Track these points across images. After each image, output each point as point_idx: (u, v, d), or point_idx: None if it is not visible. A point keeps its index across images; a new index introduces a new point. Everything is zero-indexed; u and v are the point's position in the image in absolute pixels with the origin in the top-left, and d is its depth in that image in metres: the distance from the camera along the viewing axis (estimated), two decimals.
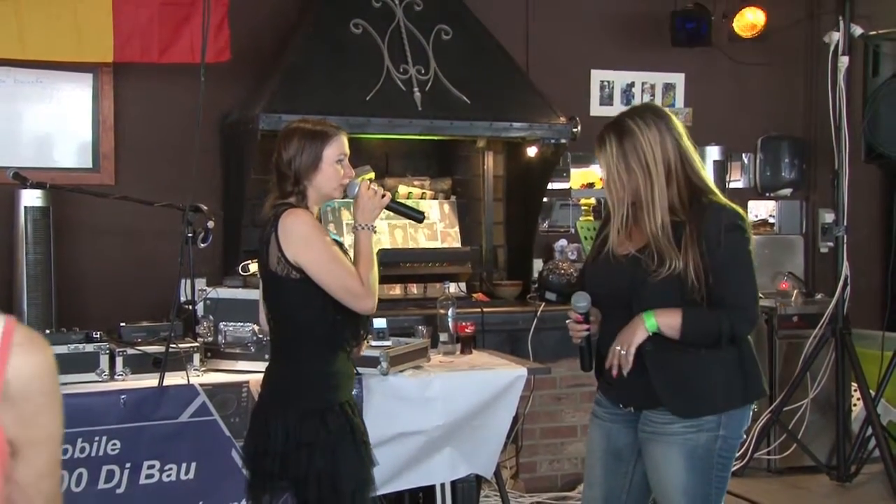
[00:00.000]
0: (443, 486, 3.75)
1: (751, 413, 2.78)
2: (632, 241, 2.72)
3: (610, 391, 2.81)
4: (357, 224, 2.88)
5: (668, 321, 2.59)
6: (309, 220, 2.76)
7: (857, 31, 5.16)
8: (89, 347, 3.53)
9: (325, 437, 2.70)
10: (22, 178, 3.97)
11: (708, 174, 2.75)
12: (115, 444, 3.30)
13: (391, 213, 3.17)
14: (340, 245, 2.85)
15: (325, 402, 2.75)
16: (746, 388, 2.72)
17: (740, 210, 2.68)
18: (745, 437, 2.73)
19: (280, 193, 2.81)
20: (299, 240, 2.71)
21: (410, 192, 5.10)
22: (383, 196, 2.91)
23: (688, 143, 2.70)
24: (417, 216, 3.13)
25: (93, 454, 3.27)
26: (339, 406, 2.77)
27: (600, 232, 2.88)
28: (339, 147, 2.82)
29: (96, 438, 3.26)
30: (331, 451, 2.71)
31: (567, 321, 2.76)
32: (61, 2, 4.32)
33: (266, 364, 3.57)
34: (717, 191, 2.73)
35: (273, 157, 2.84)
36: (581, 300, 2.72)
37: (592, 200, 5.68)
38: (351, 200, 2.96)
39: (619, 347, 2.64)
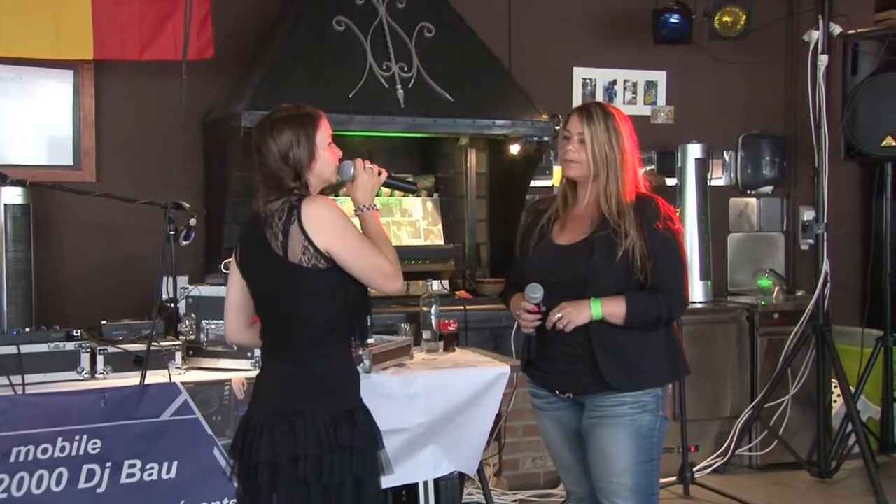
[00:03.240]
0: (426, 483, 3.74)
1: None
2: (567, 231, 2.93)
3: (546, 380, 2.99)
4: (360, 206, 2.75)
5: (613, 310, 2.82)
6: (335, 205, 2.62)
7: (836, 29, 5.18)
8: (70, 346, 3.48)
9: (358, 439, 2.58)
10: (1, 175, 3.93)
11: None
12: (95, 444, 3.26)
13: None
14: None
15: (352, 403, 2.64)
16: (674, 366, 2.95)
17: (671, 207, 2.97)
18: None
19: (279, 191, 2.63)
20: (330, 226, 2.56)
21: (393, 191, 5.07)
22: (380, 173, 2.80)
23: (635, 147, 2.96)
24: (412, 188, 3.08)
25: (73, 453, 3.23)
26: (361, 407, 2.66)
27: (533, 224, 3.02)
28: (326, 128, 2.70)
29: (77, 437, 3.22)
30: (363, 456, 2.59)
31: (518, 312, 2.93)
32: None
33: (249, 363, 3.59)
34: None
35: (259, 155, 2.67)
36: (535, 291, 2.86)
37: None
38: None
39: (559, 315, 2.81)
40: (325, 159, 2.68)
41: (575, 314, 2.81)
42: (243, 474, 2.67)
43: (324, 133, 2.69)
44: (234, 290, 2.80)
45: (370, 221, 2.73)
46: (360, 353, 3.43)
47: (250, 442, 2.63)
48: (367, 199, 2.75)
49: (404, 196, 5.08)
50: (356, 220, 2.75)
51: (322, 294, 2.60)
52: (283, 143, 2.63)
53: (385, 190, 4.98)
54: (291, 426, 2.56)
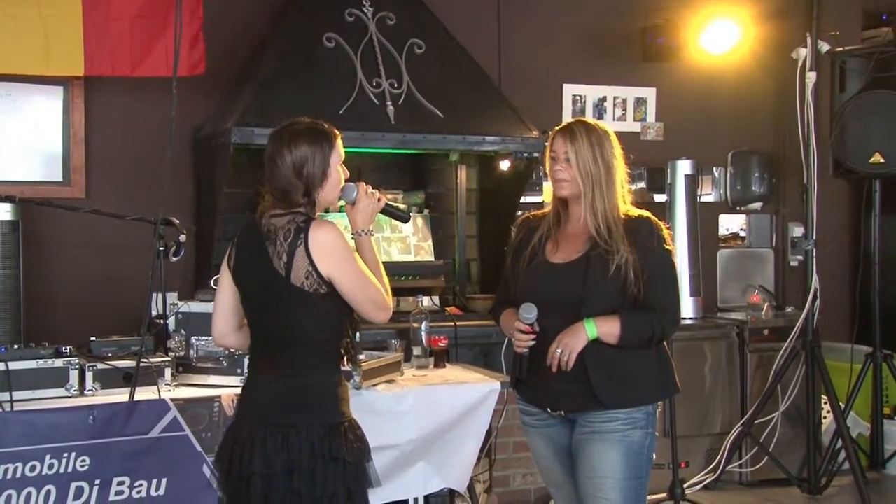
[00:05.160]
0: (416, 500, 3.74)
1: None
2: (560, 249, 2.95)
3: (537, 397, 2.99)
4: (358, 230, 2.76)
5: (608, 330, 2.83)
6: (341, 232, 2.63)
7: (825, 47, 5.23)
8: (59, 362, 3.49)
9: (349, 451, 2.61)
10: None
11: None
12: (84, 461, 3.26)
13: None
14: None
15: (343, 417, 2.67)
16: (666, 383, 2.99)
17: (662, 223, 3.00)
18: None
19: (286, 205, 2.65)
20: (335, 254, 2.59)
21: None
22: (379, 199, 2.81)
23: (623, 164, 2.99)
24: (405, 217, 3.07)
25: (61, 471, 3.22)
26: (351, 421, 2.69)
27: (525, 241, 3.02)
28: (340, 149, 2.72)
29: (65, 455, 3.22)
30: (355, 469, 2.62)
31: (512, 331, 2.93)
32: (30, 16, 4.28)
33: (238, 379, 3.59)
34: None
35: (271, 164, 2.66)
36: (530, 311, 2.86)
37: None
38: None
39: (559, 350, 2.82)
40: (336, 180, 2.71)
41: (573, 343, 2.82)
42: (231, 486, 2.68)
43: (338, 154, 2.71)
44: (224, 293, 2.80)
45: (366, 246, 2.75)
46: (349, 368, 3.44)
47: (240, 454, 2.64)
48: (365, 224, 2.77)
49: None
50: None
51: (320, 317, 2.63)
52: (299, 157, 2.64)
53: None
54: (285, 438, 2.58)
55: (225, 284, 2.80)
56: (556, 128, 3.03)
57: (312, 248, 2.58)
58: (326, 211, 2.85)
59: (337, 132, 2.74)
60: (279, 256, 2.60)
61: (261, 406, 2.69)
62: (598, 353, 2.85)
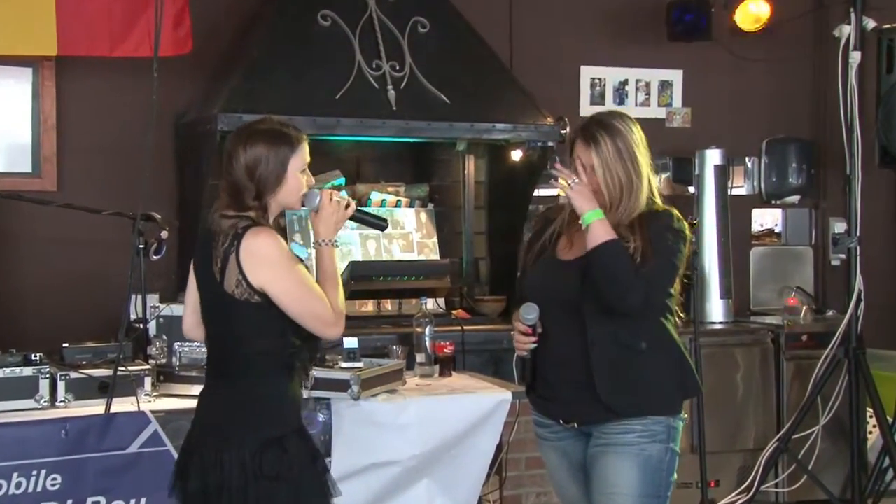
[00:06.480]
0: None
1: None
2: (574, 247, 2.95)
3: (548, 407, 3.02)
4: (319, 239, 2.84)
5: (604, 229, 2.80)
6: (276, 242, 2.70)
7: (870, 24, 5.20)
8: (28, 371, 3.48)
9: (287, 467, 2.67)
10: None
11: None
12: (55, 479, 3.25)
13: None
14: (302, 262, 2.82)
15: (284, 429, 2.72)
16: (685, 384, 2.98)
17: (686, 223, 3.01)
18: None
19: (237, 206, 2.74)
20: (266, 265, 2.67)
21: (384, 200, 5.09)
22: (347, 206, 2.87)
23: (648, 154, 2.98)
24: (381, 224, 3.10)
25: (30, 490, 3.22)
26: (296, 432, 2.75)
27: (538, 235, 3.06)
28: (303, 155, 2.79)
29: (34, 473, 3.21)
30: (296, 485, 2.68)
31: (512, 333, 2.96)
32: None
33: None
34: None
35: (227, 162, 2.76)
36: (530, 312, 2.88)
37: None
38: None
39: (573, 183, 2.84)
40: (293, 187, 2.78)
41: (581, 196, 2.82)
42: (180, 496, 2.79)
43: (300, 159, 2.78)
44: (190, 285, 2.91)
45: (325, 257, 2.82)
46: (348, 378, 3.44)
47: (183, 463, 2.77)
48: (328, 234, 2.84)
49: (396, 207, 5.10)
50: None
51: (255, 326, 2.72)
52: (252, 157, 2.72)
53: (375, 199, 5.04)
54: (219, 454, 2.68)
55: (192, 276, 2.91)
56: (574, 129, 3.04)
57: (243, 257, 2.66)
58: None
59: (304, 137, 2.81)
60: (216, 261, 2.70)
61: (204, 413, 2.81)
62: (603, 358, 2.85)
